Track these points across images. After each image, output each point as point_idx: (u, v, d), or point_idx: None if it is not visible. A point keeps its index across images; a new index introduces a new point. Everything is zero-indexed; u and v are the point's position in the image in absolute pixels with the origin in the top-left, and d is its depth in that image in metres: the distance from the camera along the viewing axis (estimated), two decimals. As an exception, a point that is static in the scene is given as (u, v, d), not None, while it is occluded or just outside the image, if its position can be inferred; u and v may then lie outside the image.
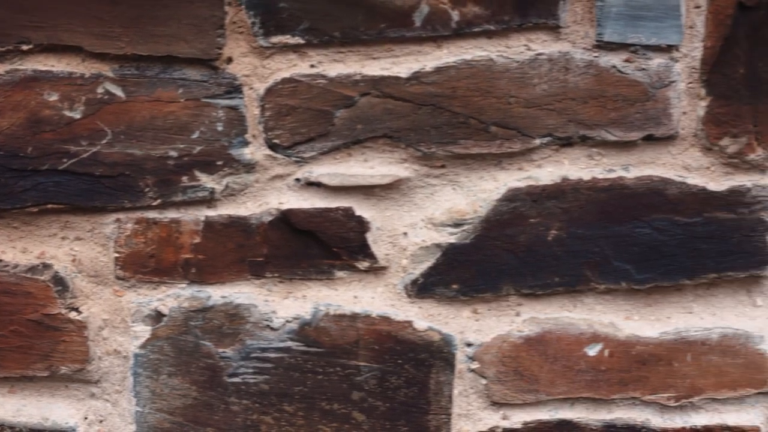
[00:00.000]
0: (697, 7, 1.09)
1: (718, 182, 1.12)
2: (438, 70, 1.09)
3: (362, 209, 1.12)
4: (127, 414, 1.18)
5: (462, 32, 1.08)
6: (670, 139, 1.11)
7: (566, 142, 1.11)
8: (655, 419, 1.15)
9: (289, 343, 1.14)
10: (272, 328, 1.14)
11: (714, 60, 1.09)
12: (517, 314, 1.14)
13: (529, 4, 1.08)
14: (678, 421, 1.15)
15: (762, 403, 1.16)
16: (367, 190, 1.12)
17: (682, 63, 1.10)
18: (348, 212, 1.12)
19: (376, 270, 1.14)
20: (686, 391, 1.15)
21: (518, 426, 1.15)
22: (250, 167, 1.11)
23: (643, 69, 1.09)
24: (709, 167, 1.12)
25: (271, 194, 1.13)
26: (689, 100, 1.11)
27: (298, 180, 1.12)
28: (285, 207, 1.12)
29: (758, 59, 1.10)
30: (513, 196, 1.11)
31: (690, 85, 1.10)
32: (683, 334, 1.14)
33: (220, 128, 1.10)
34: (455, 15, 1.08)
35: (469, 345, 1.14)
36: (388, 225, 1.13)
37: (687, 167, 1.12)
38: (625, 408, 1.16)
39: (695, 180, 1.11)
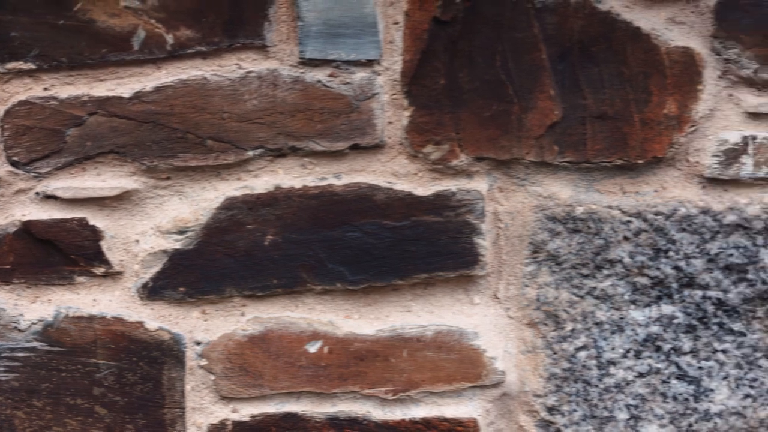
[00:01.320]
0: (396, 23, 1.18)
1: (425, 187, 1.21)
2: (157, 89, 1.19)
3: (96, 219, 1.23)
4: None
5: (177, 54, 1.19)
6: (376, 147, 1.20)
7: (279, 153, 1.21)
8: (376, 412, 1.24)
9: (35, 344, 1.25)
10: (20, 330, 1.25)
11: (413, 72, 1.19)
12: (242, 314, 1.24)
13: (237, 26, 1.18)
14: (398, 413, 1.25)
15: (480, 396, 1.25)
16: (99, 202, 1.22)
17: (384, 76, 1.19)
18: (82, 222, 1.23)
19: (113, 275, 1.24)
20: (404, 386, 1.24)
21: (246, 419, 1.25)
22: (-5, 183, 1.23)
23: (348, 83, 1.19)
24: (416, 173, 1.21)
25: (16, 207, 1.24)
26: (394, 110, 1.20)
27: (37, 194, 1.23)
28: (27, 219, 1.23)
29: (458, 70, 1.19)
30: (230, 205, 1.21)
31: (394, 96, 1.19)
32: (399, 331, 1.23)
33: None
34: (170, 38, 1.19)
35: (198, 343, 1.24)
36: (121, 233, 1.23)
37: (395, 174, 1.21)
38: (347, 401, 1.25)
39: (403, 186, 1.21)
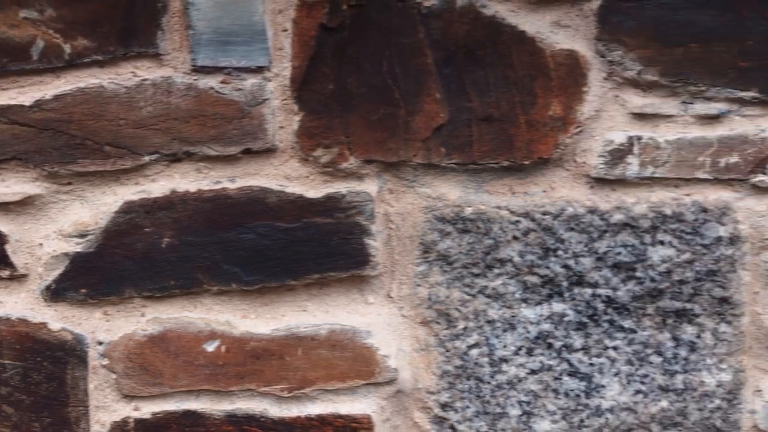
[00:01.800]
0: (285, 30, 1.23)
1: (316, 190, 1.25)
2: (56, 98, 1.24)
3: (1, 224, 1.27)
4: None
5: (75, 63, 1.24)
6: (268, 151, 1.25)
7: (174, 158, 1.25)
8: (273, 409, 1.29)
9: (-56, 346, 1.30)
10: (-69, 333, 1.30)
11: (302, 78, 1.23)
12: (143, 315, 1.29)
13: (132, 36, 1.23)
14: (294, 410, 1.29)
15: (374, 393, 1.29)
16: (4, 207, 1.27)
17: (275, 82, 1.23)
18: (-13, 227, 1.28)
19: (18, 278, 1.29)
20: (299, 383, 1.28)
21: (148, 416, 1.29)
22: None
23: (239, 89, 1.23)
24: (308, 176, 1.25)
25: (-71, 212, 1.29)
26: (285, 115, 1.24)
27: (-57, 199, 1.28)
28: (-63, 223, 1.28)
29: (346, 75, 1.23)
30: (129, 209, 1.26)
31: (284, 101, 1.24)
32: (294, 330, 1.27)
33: None
34: (67, 48, 1.23)
35: (100, 343, 1.29)
36: (26, 237, 1.28)
37: (288, 177, 1.25)
38: (245, 399, 1.29)
39: (294, 188, 1.25)
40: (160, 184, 1.27)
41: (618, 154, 1.27)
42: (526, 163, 1.26)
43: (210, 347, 1.30)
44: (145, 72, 1.25)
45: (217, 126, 1.25)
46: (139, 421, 1.31)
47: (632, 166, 1.28)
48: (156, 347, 1.30)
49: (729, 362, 1.32)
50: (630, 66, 1.25)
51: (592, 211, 1.28)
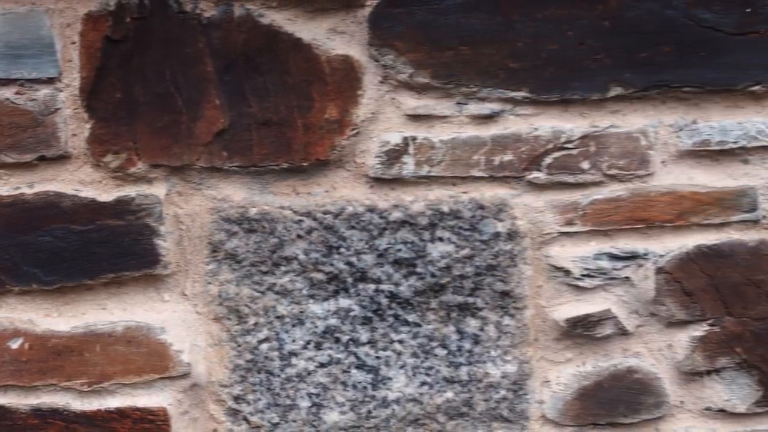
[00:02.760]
0: (74, 42, 1.31)
1: (109, 193, 1.34)
2: None
3: None
4: None
5: None
6: (63, 158, 1.33)
7: (-27, 166, 1.34)
8: (75, 403, 1.37)
9: None
10: None
11: (91, 88, 1.32)
12: (-51, 316, 1.37)
13: None
14: (95, 404, 1.37)
15: (170, 387, 1.37)
16: None
17: (66, 92, 1.32)
18: None
19: None
20: (98, 378, 1.36)
21: (-49, 411, 1.38)
22: None
23: (33, 99, 1.32)
24: (101, 181, 1.33)
25: None
26: (77, 123, 1.32)
27: None
28: None
29: (133, 84, 1.31)
30: (-66, 214, 1.34)
31: (76, 110, 1.32)
32: (92, 327, 1.35)
33: None
34: None
35: None
36: None
37: (82, 182, 1.34)
38: (49, 394, 1.38)
39: (88, 193, 1.33)
40: (-38, 191, 1.37)
41: (394, 155, 1.34)
42: (305, 164, 1.33)
43: (14, 345, 1.38)
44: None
45: (13, 135, 1.34)
46: (-49, 416, 1.40)
47: (408, 166, 1.34)
48: (-36, 345, 1.39)
49: (513, 354, 1.38)
50: (402, 69, 1.32)
51: (371, 209, 1.34)
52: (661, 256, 1.38)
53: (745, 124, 1.37)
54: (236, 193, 1.37)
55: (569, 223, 1.38)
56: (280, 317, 1.39)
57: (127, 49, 1.34)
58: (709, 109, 1.38)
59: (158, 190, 1.36)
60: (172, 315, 1.40)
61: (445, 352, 1.39)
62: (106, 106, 1.35)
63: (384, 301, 1.38)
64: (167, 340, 1.39)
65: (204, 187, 1.37)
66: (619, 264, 1.38)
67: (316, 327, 1.39)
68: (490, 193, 1.37)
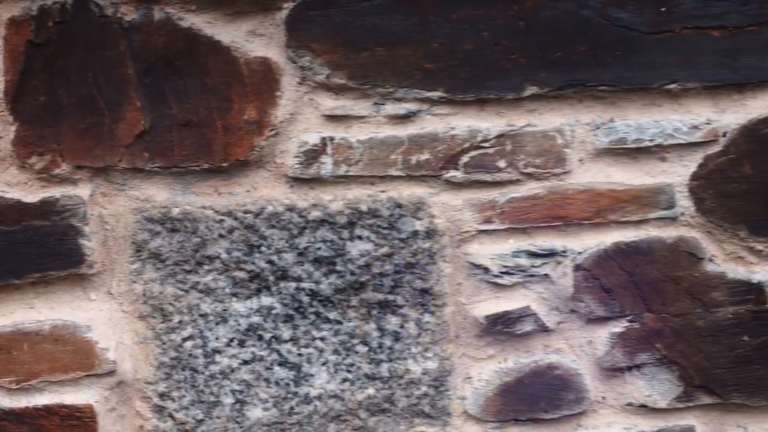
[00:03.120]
0: (-2, 47, 1.33)
1: (34, 195, 1.37)
2: None
3: None
4: None
5: None
6: (-10, 160, 1.35)
7: None
8: (4, 401, 1.42)
9: None
10: None
11: (15, 91, 1.36)
12: None
13: None
14: (23, 401, 1.41)
15: (96, 384, 1.40)
16: None
17: (-8, 94, 1.34)
18: None
19: None
20: (26, 376, 1.40)
21: None
22: None
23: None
24: (26, 182, 1.37)
25: None
26: (3, 126, 1.36)
27: None
28: None
29: (57, 87, 1.35)
30: None
31: (1, 113, 1.36)
32: (20, 326, 1.39)
33: None
34: None
35: None
36: None
37: (9, 183, 1.38)
38: (-20, 392, 1.40)
39: (14, 194, 1.37)
40: None
41: (312, 155, 1.36)
42: (225, 165, 1.36)
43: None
44: None
45: (-61, 140, 1.38)
46: None
47: (326, 166, 1.36)
48: None
49: (434, 351, 1.40)
50: (319, 71, 1.34)
51: (290, 209, 1.37)
52: (580, 253, 1.41)
53: (662, 122, 1.40)
54: (159, 194, 1.40)
55: (487, 221, 1.41)
56: (203, 315, 1.42)
57: (50, 53, 1.37)
58: (626, 107, 1.40)
59: (82, 191, 1.39)
60: (98, 314, 1.43)
61: (366, 349, 1.42)
62: (31, 109, 1.38)
63: (305, 299, 1.40)
64: (93, 339, 1.42)
65: (127, 187, 1.40)
66: (538, 261, 1.41)
67: (239, 325, 1.41)
68: (408, 191, 1.39)
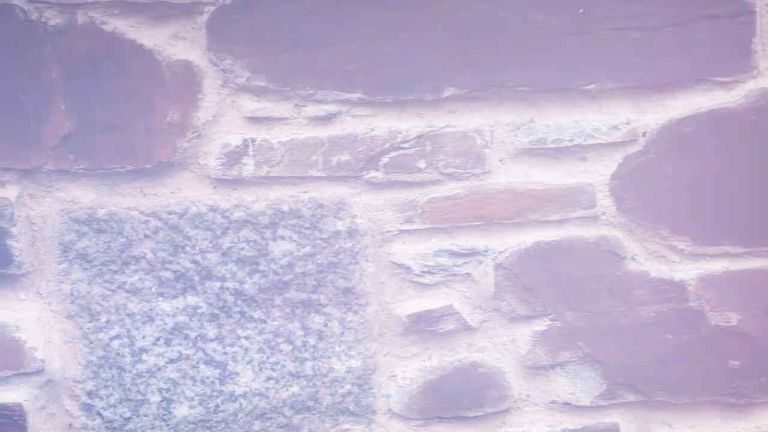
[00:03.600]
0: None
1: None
2: None
3: None
4: None
5: None
6: None
7: None
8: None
9: None
10: None
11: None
12: None
13: None
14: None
15: (26, 383, 1.44)
16: None
17: None
18: None
19: None
20: (-42, 374, 1.41)
21: None
22: None
23: None
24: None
25: None
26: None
27: None
28: None
29: None
30: None
31: None
32: (-49, 325, 1.40)
33: None
34: None
35: None
36: None
37: (-62, 186, 1.39)
38: None
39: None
40: None
41: (234, 156, 1.39)
42: (149, 166, 1.39)
43: None
44: None
45: None
46: None
47: (248, 167, 1.39)
48: None
49: (358, 349, 1.42)
50: (240, 73, 1.37)
51: (213, 209, 1.39)
52: (501, 252, 1.43)
53: (581, 123, 1.41)
54: (85, 195, 1.43)
55: (409, 221, 1.43)
56: (130, 315, 1.44)
57: None
58: (547, 108, 1.42)
59: (9, 192, 1.42)
60: (27, 313, 1.46)
61: (290, 347, 1.44)
62: None
63: (230, 298, 1.43)
64: (21, 338, 1.44)
65: (54, 189, 1.43)
66: (459, 260, 1.43)
67: (166, 324, 1.44)
68: (329, 192, 1.41)
